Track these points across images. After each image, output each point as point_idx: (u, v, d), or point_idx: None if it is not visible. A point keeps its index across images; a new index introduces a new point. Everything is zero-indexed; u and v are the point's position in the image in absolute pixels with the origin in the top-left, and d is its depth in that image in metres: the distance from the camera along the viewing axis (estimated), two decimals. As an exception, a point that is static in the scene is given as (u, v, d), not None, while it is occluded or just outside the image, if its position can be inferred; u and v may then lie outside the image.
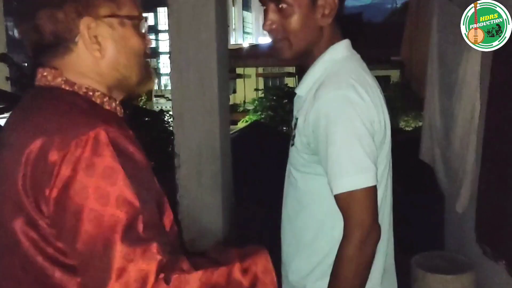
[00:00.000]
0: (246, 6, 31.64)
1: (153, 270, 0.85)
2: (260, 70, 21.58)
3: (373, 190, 1.27)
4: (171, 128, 6.32)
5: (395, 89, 14.82)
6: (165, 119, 7.57)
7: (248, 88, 20.79)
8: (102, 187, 0.87)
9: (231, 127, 4.64)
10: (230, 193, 3.67)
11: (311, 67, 1.41)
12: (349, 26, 1.58)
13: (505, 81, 2.33)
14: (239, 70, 19.96)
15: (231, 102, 11.55)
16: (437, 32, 3.05)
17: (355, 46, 1.45)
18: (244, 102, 20.18)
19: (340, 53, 1.40)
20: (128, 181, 0.88)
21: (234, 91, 21.63)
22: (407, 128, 13.24)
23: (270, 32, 1.38)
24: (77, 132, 0.89)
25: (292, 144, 1.43)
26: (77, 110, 0.96)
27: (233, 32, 28.60)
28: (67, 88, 1.00)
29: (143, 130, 6.00)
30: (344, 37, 1.43)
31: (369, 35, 9.53)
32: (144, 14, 1.09)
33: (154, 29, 29.90)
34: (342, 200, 1.27)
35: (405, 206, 3.14)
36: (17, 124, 0.99)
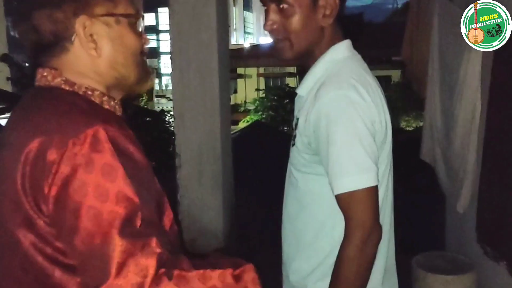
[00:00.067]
0: (247, 6, 31.63)
1: (153, 264, 0.86)
2: (261, 70, 21.57)
3: (374, 190, 1.27)
4: (172, 128, 6.33)
5: (396, 89, 14.82)
6: (166, 119, 7.55)
7: (249, 88, 20.78)
8: (101, 184, 0.87)
9: (232, 127, 4.64)
10: (230, 193, 3.67)
11: (312, 67, 1.41)
12: (350, 26, 1.58)
13: (506, 81, 2.33)
14: (240, 70, 19.96)
15: (232, 102, 11.54)
16: (438, 32, 3.05)
17: (356, 46, 1.45)
18: (245, 102, 20.18)
19: (341, 53, 1.40)
20: (128, 178, 0.89)
21: (235, 91, 21.63)
22: (408, 128, 13.24)
23: (271, 32, 1.38)
24: (76, 131, 0.89)
25: (293, 144, 1.43)
26: (77, 110, 0.96)
27: (234, 32, 28.58)
28: (67, 88, 1.00)
29: (144, 130, 6.00)
30: (345, 37, 1.43)
31: (370, 35, 9.54)
32: (145, 14, 1.09)
33: (155, 29, 29.90)
34: (343, 200, 1.27)
35: (406, 206, 3.14)
36: (16, 124, 1.00)
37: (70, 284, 0.91)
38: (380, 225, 1.29)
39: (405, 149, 3.41)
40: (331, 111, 1.28)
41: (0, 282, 0.98)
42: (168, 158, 4.89)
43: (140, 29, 1.08)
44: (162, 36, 28.43)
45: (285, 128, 12.15)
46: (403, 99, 13.41)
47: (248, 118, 14.97)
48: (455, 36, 2.63)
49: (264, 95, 15.91)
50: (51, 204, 0.88)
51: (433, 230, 3.75)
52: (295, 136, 1.41)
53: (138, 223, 0.88)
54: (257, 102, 15.83)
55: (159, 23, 30.38)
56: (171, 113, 5.41)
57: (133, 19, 1.05)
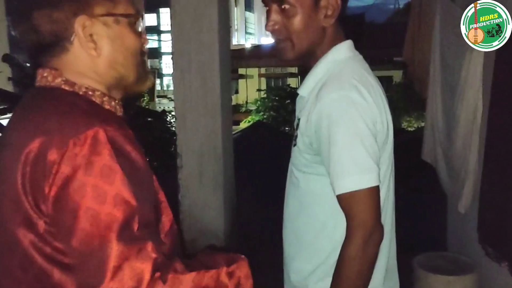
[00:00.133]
0: (248, 6, 31.67)
1: (149, 269, 0.86)
2: (263, 70, 21.58)
3: (375, 190, 1.27)
4: (173, 129, 6.33)
5: (398, 89, 14.83)
6: (168, 119, 7.56)
7: (250, 89, 20.79)
8: (99, 186, 0.87)
9: (233, 127, 4.65)
10: (231, 193, 3.67)
11: (314, 68, 1.41)
12: (351, 27, 1.58)
13: (508, 82, 2.33)
14: (241, 71, 19.95)
15: (233, 103, 11.55)
16: (440, 33, 3.05)
17: (358, 46, 1.45)
18: (247, 102, 20.20)
19: (342, 53, 1.40)
20: (126, 180, 0.89)
21: (237, 92, 21.67)
22: (409, 129, 13.24)
23: (273, 32, 1.38)
24: (76, 131, 0.89)
25: (294, 145, 1.43)
26: (77, 110, 0.96)
27: (236, 33, 28.61)
28: (67, 88, 1.00)
29: (146, 130, 5.99)
30: (346, 38, 1.43)
31: (371, 35, 9.54)
32: (147, 15, 1.09)
33: (156, 30, 29.93)
34: (345, 201, 1.27)
35: (407, 206, 3.14)
36: (17, 124, 1.00)
37: (69, 283, 0.91)
38: (382, 225, 1.29)
39: (407, 150, 3.42)
40: (333, 112, 1.28)
41: (0, 281, 0.98)
42: (170, 158, 4.89)
43: (140, 29, 1.08)
44: (164, 36, 28.47)
45: (287, 128, 12.15)
46: (404, 99, 13.42)
47: (249, 118, 14.99)
48: (456, 37, 2.62)
49: (265, 95, 15.92)
50: (51, 204, 0.88)
51: (434, 231, 3.75)
52: (296, 136, 1.41)
53: (135, 226, 0.88)
54: (259, 102, 15.84)
55: (161, 23, 30.41)
56: (173, 113, 5.42)
57: (133, 19, 1.05)
